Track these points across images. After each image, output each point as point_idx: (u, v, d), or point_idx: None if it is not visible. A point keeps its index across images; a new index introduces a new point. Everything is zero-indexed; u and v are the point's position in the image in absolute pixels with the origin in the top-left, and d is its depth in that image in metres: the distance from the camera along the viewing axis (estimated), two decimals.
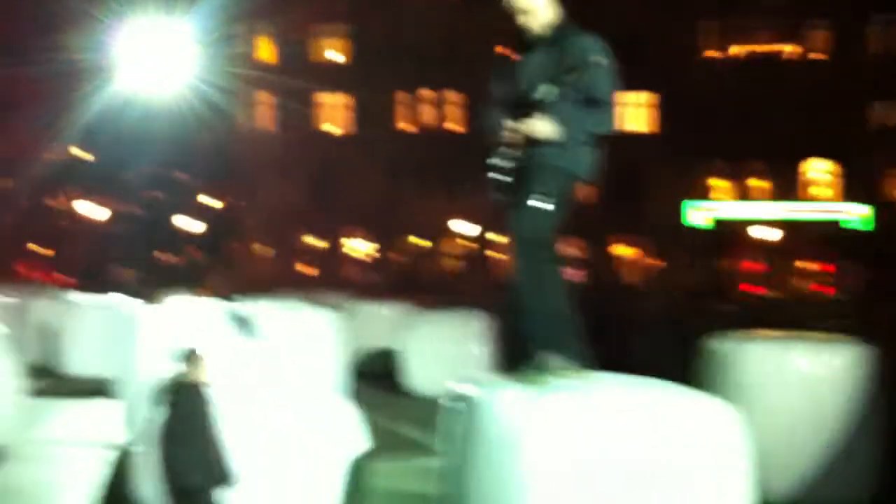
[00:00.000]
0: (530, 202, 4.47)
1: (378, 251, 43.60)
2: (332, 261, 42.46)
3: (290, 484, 5.94)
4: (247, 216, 42.52)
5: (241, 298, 13.19)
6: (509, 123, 4.53)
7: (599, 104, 4.47)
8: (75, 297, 16.07)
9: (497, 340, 13.52)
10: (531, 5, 4.52)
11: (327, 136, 43.48)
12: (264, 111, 43.83)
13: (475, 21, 39.66)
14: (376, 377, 12.98)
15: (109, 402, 10.97)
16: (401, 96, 42.75)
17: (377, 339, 14.35)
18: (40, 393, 11.66)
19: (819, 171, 41.08)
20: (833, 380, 8.19)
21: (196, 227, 44.60)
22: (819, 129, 36.87)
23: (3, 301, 15.48)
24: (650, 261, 41.28)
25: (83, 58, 27.64)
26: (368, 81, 39.31)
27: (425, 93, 42.84)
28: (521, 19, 4.53)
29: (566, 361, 4.48)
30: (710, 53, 40.13)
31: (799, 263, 41.77)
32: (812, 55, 40.06)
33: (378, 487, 7.16)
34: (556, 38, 4.52)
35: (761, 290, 36.47)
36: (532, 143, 4.48)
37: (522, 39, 4.63)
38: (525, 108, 4.48)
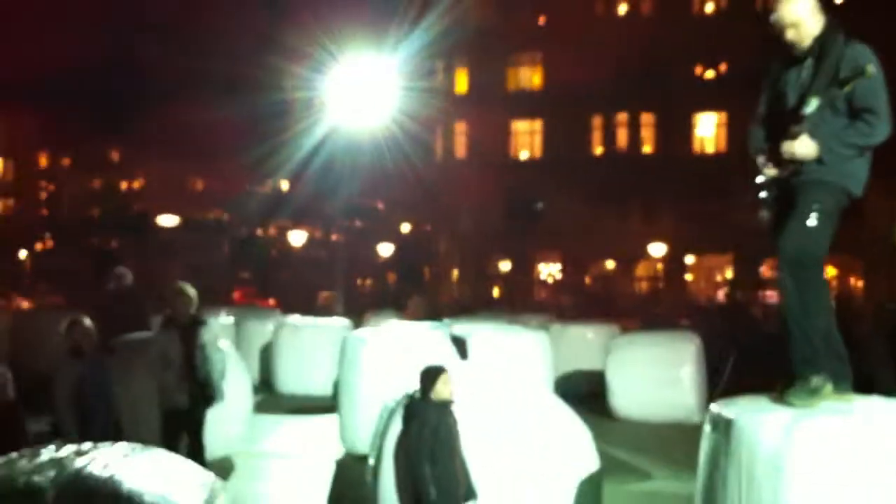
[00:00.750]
0: (799, 220, 4.34)
1: (571, 274, 43.42)
2: (525, 284, 42.62)
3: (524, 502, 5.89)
4: (442, 241, 43.34)
5: (445, 321, 13.41)
6: (766, 152, 4.48)
7: (871, 114, 4.29)
8: (288, 318, 16.67)
9: (704, 362, 13.11)
10: (799, 17, 4.41)
11: (521, 162, 43.83)
12: (461, 140, 44.71)
13: (669, 42, 39.16)
14: (580, 399, 12.82)
15: (326, 417, 11.31)
16: (595, 120, 42.64)
17: (581, 360, 14.18)
18: (260, 409, 12.12)
19: None
20: None
21: (393, 253, 45.80)
22: None
23: (223, 321, 16.24)
24: (858, 279, 39.35)
25: (294, 96, 29.05)
26: (562, 107, 39.36)
27: (620, 116, 42.55)
28: (791, 34, 4.43)
29: (833, 384, 4.35)
30: None
31: None
32: None
33: None
34: (824, 48, 4.38)
35: None
36: (795, 162, 4.37)
37: (789, 53, 4.53)
38: (790, 123, 4.37)
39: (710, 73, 42.23)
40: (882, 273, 35.39)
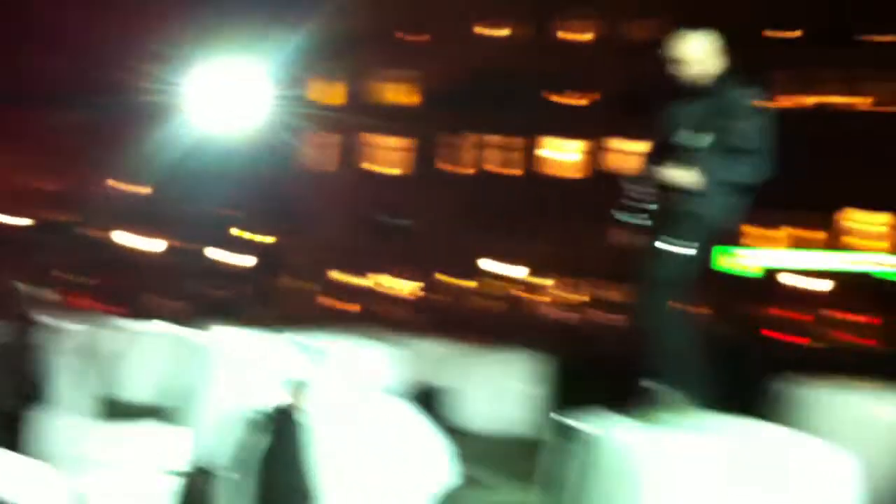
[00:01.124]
0: (673, 248, 4.54)
1: (419, 289, 43.68)
2: (373, 297, 42.59)
3: None
4: (300, 253, 42.87)
5: (300, 333, 13.25)
6: (654, 170, 4.65)
7: (754, 155, 4.51)
8: (129, 324, 16.19)
9: (549, 380, 13.42)
10: (688, 56, 4.61)
11: (382, 175, 43.91)
12: (330, 152, 44.48)
13: (529, 65, 40.05)
14: (426, 413, 12.89)
15: (171, 427, 10.96)
16: (459, 139, 43.15)
17: (428, 375, 14.22)
18: (102, 417, 11.70)
19: (871, 222, 40.63)
20: None
21: (245, 261, 45.04)
22: (873, 181, 36.43)
23: (63, 325, 15.59)
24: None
25: (151, 96, 28.21)
26: (429, 124, 39.68)
27: (483, 136, 43.20)
28: (691, 70, 4.63)
29: (685, 400, 4.52)
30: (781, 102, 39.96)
31: (842, 314, 41.24)
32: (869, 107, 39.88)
33: None
34: (721, 88, 4.60)
35: (803, 340, 36.06)
36: (674, 189, 4.56)
37: (685, 87, 4.71)
38: (674, 153, 4.58)
39: (577, 100, 43.37)
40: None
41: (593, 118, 41.10)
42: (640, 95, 39.62)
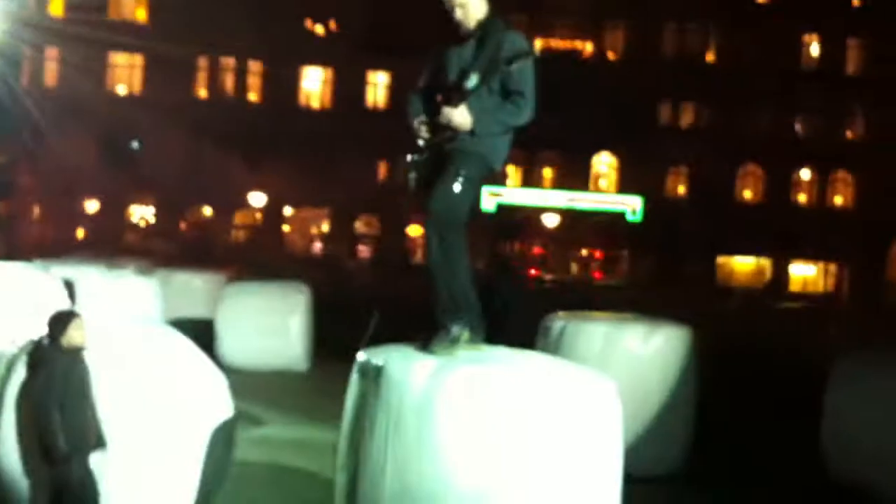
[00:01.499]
0: (446, 185, 4.62)
1: (165, 219, 42.21)
2: (114, 227, 40.73)
3: (155, 452, 5.71)
4: (23, 176, 40.03)
5: (37, 262, 12.50)
6: (424, 118, 4.75)
7: (521, 97, 4.68)
8: None
9: (313, 312, 13.47)
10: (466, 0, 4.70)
11: (118, 96, 41.72)
12: (54, 68, 41.54)
13: None
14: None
15: None
16: (200, 61, 41.59)
17: (188, 308, 13.88)
18: None
19: (606, 164, 43.36)
20: (656, 358, 8.75)
21: None
22: (610, 125, 38.69)
23: None
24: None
25: None
26: (166, 44, 37.83)
27: (227, 60, 41.90)
28: (458, 13, 4.73)
29: (470, 335, 4.68)
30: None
31: (577, 250, 44.04)
32: (609, 54, 42.25)
33: (242, 460, 7.07)
34: (486, 31, 4.71)
35: (539, 273, 38.02)
36: (451, 129, 4.65)
37: (456, 32, 4.79)
38: (448, 95, 4.67)
39: (319, 29, 42.84)
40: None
41: (341, 47, 40.91)
42: (385, 27, 40.27)
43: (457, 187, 4.62)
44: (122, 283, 10.95)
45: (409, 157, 4.80)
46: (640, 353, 8.66)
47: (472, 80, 4.61)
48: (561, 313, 9.32)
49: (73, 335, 5.23)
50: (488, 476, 4.15)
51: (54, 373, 5.10)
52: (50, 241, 32.19)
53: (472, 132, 4.63)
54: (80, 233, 41.11)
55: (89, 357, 5.32)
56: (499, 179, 40.81)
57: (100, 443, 5.30)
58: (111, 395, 5.48)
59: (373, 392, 4.47)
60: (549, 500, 4.18)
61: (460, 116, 4.60)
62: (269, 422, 9.68)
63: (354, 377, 4.70)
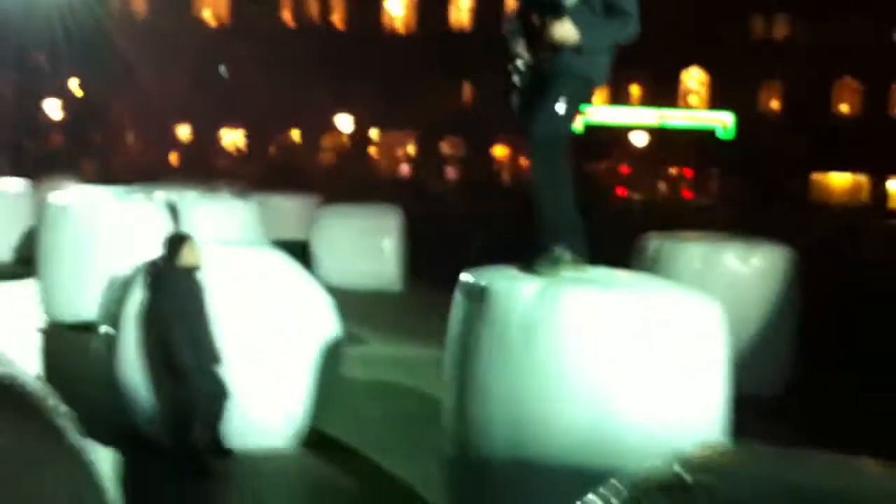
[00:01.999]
0: (549, 106, 4.56)
1: (254, 143, 42.78)
2: (206, 152, 41.45)
3: (268, 368, 5.90)
4: (116, 103, 40.86)
5: (137, 188, 12.82)
6: (524, 40, 4.65)
7: (626, 15, 4.59)
8: None
9: (404, 235, 13.59)
10: None
11: (206, 25, 42.12)
12: None
13: None
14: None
15: (33, 285, 10.58)
16: None
17: (285, 231, 14.15)
18: None
19: (696, 79, 42.31)
20: (756, 278, 8.63)
21: (61, 113, 42.68)
22: (700, 38, 37.68)
23: None
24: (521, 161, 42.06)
25: None
26: None
27: None
28: None
29: (573, 256, 4.67)
30: None
31: (666, 169, 43.27)
32: None
33: (347, 376, 7.26)
34: None
35: (626, 193, 37.58)
36: (552, 48, 4.57)
37: None
38: (549, 12, 4.57)
39: None
40: None
41: None
42: None
43: (560, 108, 4.55)
44: (222, 207, 11.16)
45: (512, 80, 4.70)
46: (739, 272, 8.55)
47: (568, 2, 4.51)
48: (654, 233, 9.23)
49: (188, 256, 5.39)
50: (596, 397, 4.16)
51: (175, 291, 5.28)
52: (144, 167, 32.92)
53: (578, 48, 4.54)
54: (174, 158, 41.93)
55: (204, 277, 5.49)
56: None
57: (216, 359, 5.49)
58: (226, 314, 5.65)
59: (478, 313, 4.49)
60: (660, 419, 4.19)
61: (565, 30, 4.51)
62: (368, 340, 9.87)
63: (458, 298, 4.72)
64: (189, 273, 5.39)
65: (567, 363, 4.18)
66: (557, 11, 4.55)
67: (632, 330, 4.23)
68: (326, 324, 6.20)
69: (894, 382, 9.21)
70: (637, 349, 4.22)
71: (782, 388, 8.62)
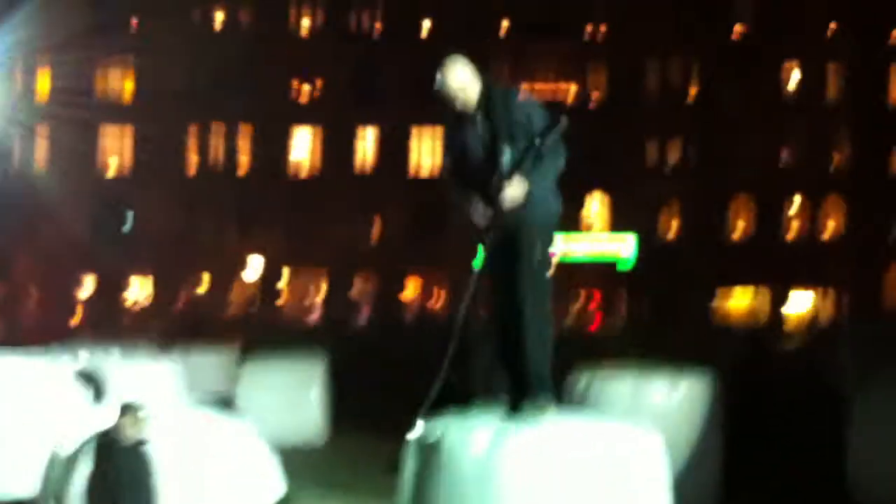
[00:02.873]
0: (525, 268, 4.76)
1: (162, 294, 42.08)
2: (112, 308, 40.53)
3: None
4: (19, 258, 40.01)
5: (55, 350, 12.53)
6: (484, 208, 4.76)
7: (552, 148, 4.77)
8: None
9: (332, 383, 13.50)
10: (464, 82, 4.79)
11: (110, 171, 42.05)
12: (42, 146, 41.83)
13: (266, 55, 39.64)
14: None
15: None
16: (190, 129, 41.91)
17: (206, 385, 13.90)
18: None
19: (598, 205, 43.63)
20: (683, 407, 8.87)
21: None
22: (599, 166, 39.02)
23: None
24: (441, 290, 42.41)
25: None
26: (154, 115, 38.20)
27: (216, 126, 42.21)
28: (460, 98, 4.78)
29: (548, 400, 4.80)
30: None
31: (575, 295, 44.05)
32: (593, 94, 42.74)
33: None
34: (492, 103, 4.79)
35: None
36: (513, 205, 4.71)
37: (459, 113, 4.87)
38: (488, 173, 4.73)
39: (306, 89, 43.27)
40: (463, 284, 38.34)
41: (324, 107, 41.25)
42: (368, 82, 40.57)
43: (534, 264, 4.77)
44: (146, 368, 11.00)
45: (481, 243, 4.81)
46: (667, 402, 8.78)
47: (507, 154, 4.69)
48: (582, 368, 9.40)
49: (133, 428, 5.32)
50: None
51: (119, 467, 5.20)
52: (50, 324, 32.07)
53: (532, 202, 4.70)
54: (79, 313, 41.00)
55: (151, 448, 5.42)
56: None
57: None
58: (178, 483, 5.58)
59: (433, 465, 4.53)
60: None
61: (516, 189, 4.67)
62: (303, 497, 9.72)
63: (411, 449, 4.73)
64: (134, 447, 5.32)
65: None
66: (495, 169, 4.70)
67: (586, 470, 4.38)
68: (274, 484, 6.16)
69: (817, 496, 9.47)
70: (592, 490, 4.35)
71: None
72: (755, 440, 11.54)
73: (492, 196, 4.74)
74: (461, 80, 4.79)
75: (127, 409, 5.47)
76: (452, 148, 4.99)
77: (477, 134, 4.82)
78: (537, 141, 4.70)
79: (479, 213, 4.79)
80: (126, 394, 8.98)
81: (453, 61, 4.84)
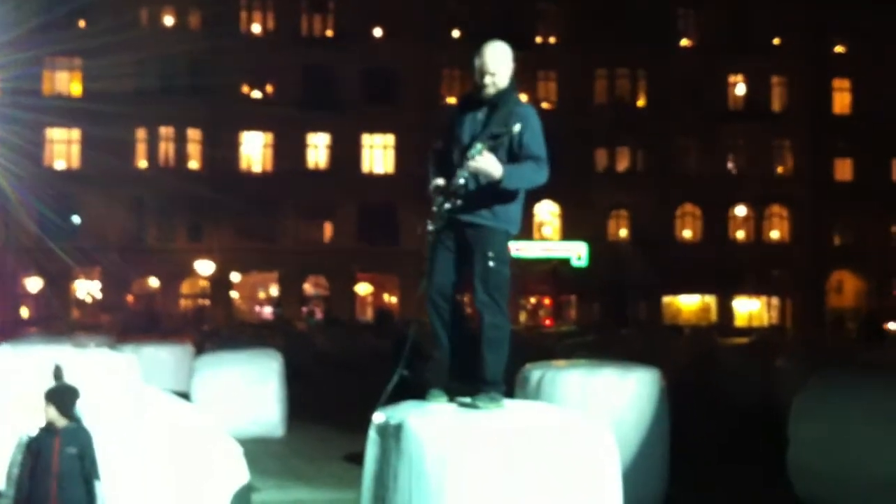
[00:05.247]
0: (484, 272, 4.85)
1: (112, 292, 41.75)
2: (61, 303, 40.18)
3: None
4: None
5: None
6: (440, 183, 4.86)
7: (536, 161, 4.80)
8: None
9: (284, 378, 13.59)
10: (498, 68, 4.81)
11: (56, 171, 41.51)
12: None
13: (217, 58, 39.47)
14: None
15: None
16: (139, 132, 41.55)
17: (159, 381, 13.92)
18: None
19: (549, 212, 44.07)
20: (631, 400, 9.15)
21: None
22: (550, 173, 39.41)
23: None
24: (392, 294, 42.52)
25: None
26: (103, 116, 37.79)
27: (165, 130, 41.90)
28: (488, 80, 4.81)
29: (502, 393, 4.97)
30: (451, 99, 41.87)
31: (526, 298, 44.48)
32: (544, 104, 43.17)
33: None
34: (502, 101, 4.83)
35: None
36: (467, 206, 4.79)
37: (466, 96, 5.03)
38: (462, 161, 4.79)
39: (256, 94, 43.13)
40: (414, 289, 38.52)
41: (275, 111, 41.13)
42: (319, 87, 40.53)
43: (492, 267, 4.83)
44: (102, 360, 10.97)
45: (427, 227, 4.89)
46: (616, 396, 9.04)
47: (476, 149, 4.67)
48: (533, 364, 9.63)
49: (48, 413, 5.38)
50: None
51: (37, 452, 5.30)
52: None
53: (499, 182, 4.66)
54: (25, 311, 40.53)
55: (95, 432, 5.46)
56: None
57: None
58: (136, 468, 5.68)
59: (394, 450, 4.68)
60: None
61: (488, 163, 4.63)
62: (262, 487, 9.84)
63: (373, 435, 4.91)
64: (48, 431, 5.36)
65: (481, 496, 4.43)
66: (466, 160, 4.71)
67: (544, 458, 4.54)
68: (237, 472, 6.29)
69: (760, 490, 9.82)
70: (549, 477, 4.52)
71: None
72: (700, 435, 11.90)
73: (456, 164, 4.80)
74: (500, 64, 4.79)
75: (52, 394, 5.51)
76: (447, 132, 5.01)
77: (472, 123, 4.86)
78: (498, 141, 4.73)
79: (437, 195, 4.84)
80: (83, 385, 9.04)
81: (503, 47, 4.84)
